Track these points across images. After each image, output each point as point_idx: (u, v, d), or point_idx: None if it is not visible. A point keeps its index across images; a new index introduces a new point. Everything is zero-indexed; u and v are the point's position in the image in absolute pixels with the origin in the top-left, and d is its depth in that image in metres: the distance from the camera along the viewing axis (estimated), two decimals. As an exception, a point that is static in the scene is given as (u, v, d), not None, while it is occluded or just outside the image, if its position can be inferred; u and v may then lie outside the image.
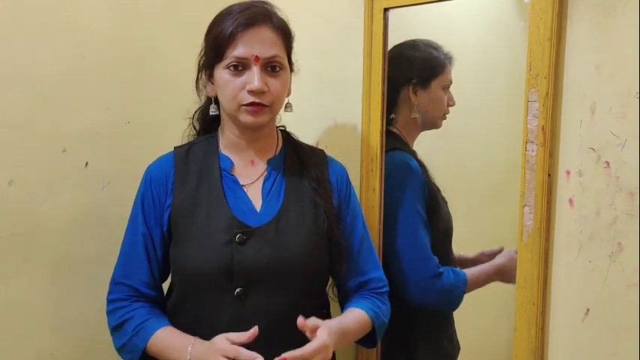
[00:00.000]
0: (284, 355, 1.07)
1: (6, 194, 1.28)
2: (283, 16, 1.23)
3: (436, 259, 1.41)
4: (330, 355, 1.13)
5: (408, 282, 1.40)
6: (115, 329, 1.23)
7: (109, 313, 1.25)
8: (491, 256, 1.48)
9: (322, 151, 1.35)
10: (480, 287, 1.45)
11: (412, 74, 1.49)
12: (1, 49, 1.25)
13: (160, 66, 1.52)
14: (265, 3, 1.22)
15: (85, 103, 1.39)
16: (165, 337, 1.19)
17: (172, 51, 1.54)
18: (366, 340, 1.28)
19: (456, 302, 1.43)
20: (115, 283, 1.25)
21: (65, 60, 1.35)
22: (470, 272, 1.44)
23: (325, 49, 1.53)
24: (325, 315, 1.28)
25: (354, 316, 1.23)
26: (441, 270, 1.40)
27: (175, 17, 1.54)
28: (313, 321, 1.13)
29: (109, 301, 1.25)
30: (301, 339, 1.17)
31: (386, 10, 1.38)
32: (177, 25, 1.55)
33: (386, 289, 1.32)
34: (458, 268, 1.44)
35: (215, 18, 1.22)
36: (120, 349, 1.23)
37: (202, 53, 1.25)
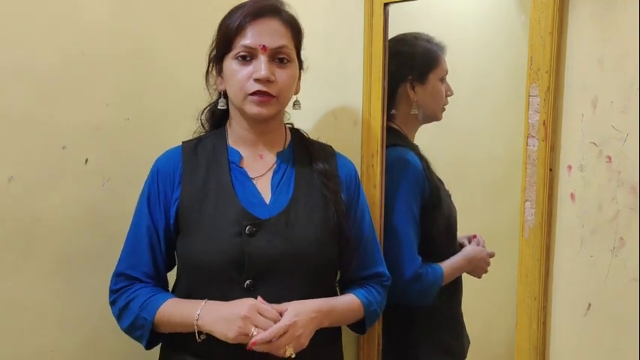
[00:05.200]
0: (253, 339, 1.08)
1: (6, 191, 1.27)
2: (293, 12, 1.25)
3: (419, 259, 1.41)
4: (300, 332, 1.12)
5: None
6: (121, 311, 1.22)
7: (112, 302, 1.24)
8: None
9: (331, 146, 1.35)
10: (452, 278, 1.46)
11: (408, 70, 1.48)
12: (0, 45, 1.25)
13: (159, 62, 1.51)
14: None
15: (85, 100, 1.38)
16: (173, 304, 1.18)
17: (172, 47, 1.53)
18: (357, 325, 1.30)
19: (432, 298, 1.43)
20: (117, 274, 1.25)
21: (65, 56, 1.34)
22: (445, 265, 1.44)
23: (325, 43, 1.52)
24: None
25: (345, 300, 1.25)
26: (420, 271, 1.39)
27: (175, 13, 1.54)
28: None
29: (112, 291, 1.24)
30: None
31: (386, 4, 1.38)
32: (178, 21, 1.54)
33: (387, 283, 1.33)
34: (435, 264, 1.44)
35: (227, 13, 1.23)
36: (128, 329, 1.22)
37: (212, 46, 1.26)
